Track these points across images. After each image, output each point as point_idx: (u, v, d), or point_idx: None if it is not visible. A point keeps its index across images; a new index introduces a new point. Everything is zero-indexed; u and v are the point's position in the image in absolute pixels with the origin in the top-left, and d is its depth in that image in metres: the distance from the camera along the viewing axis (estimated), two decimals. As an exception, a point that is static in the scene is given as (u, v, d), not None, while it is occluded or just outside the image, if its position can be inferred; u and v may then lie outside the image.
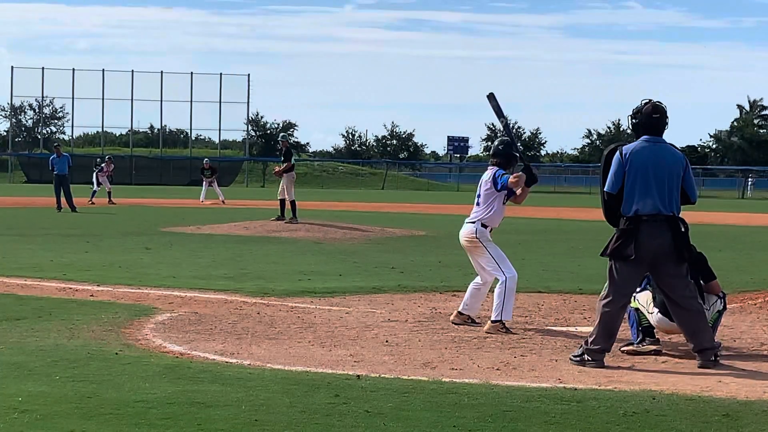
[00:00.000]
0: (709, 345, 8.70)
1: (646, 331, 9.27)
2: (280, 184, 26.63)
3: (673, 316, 8.88)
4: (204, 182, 46.97)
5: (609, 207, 8.83)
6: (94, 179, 43.19)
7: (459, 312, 10.81)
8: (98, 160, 53.93)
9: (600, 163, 9.03)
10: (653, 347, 9.18)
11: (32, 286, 13.06)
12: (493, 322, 10.35)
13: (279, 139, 27.84)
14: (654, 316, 9.22)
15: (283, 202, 26.40)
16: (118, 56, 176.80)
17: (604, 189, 8.81)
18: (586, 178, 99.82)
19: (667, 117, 8.81)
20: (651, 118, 8.75)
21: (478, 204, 10.73)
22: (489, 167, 10.78)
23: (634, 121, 8.83)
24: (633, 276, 8.79)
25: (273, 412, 6.52)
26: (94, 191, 41.77)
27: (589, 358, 8.63)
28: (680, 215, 8.86)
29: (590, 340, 8.71)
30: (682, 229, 8.70)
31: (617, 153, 8.75)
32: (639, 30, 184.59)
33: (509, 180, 10.48)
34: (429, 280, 14.68)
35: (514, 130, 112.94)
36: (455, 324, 10.68)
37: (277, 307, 11.73)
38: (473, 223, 10.68)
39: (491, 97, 10.89)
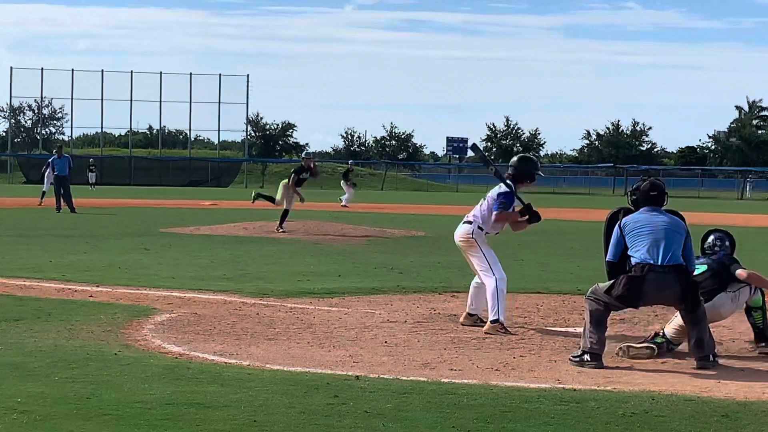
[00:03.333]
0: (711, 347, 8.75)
1: None
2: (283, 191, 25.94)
3: (680, 316, 8.92)
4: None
5: (611, 277, 8.93)
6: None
7: (468, 314, 10.80)
8: (91, 160, 54.00)
9: (604, 226, 9.25)
10: (644, 346, 9.19)
11: (31, 287, 13.05)
12: (492, 322, 10.35)
13: (303, 156, 27.42)
14: None
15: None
16: (117, 57, 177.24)
17: (606, 259, 9.01)
18: (585, 179, 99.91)
19: (665, 193, 9.08)
20: (648, 195, 9.02)
21: (481, 208, 10.73)
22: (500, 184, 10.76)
23: (633, 197, 9.11)
24: (628, 307, 9.08)
25: (272, 413, 6.53)
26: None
27: (589, 359, 8.65)
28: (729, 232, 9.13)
29: (585, 340, 8.74)
30: (692, 280, 8.78)
31: (617, 226, 8.94)
32: (638, 30, 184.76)
33: (500, 212, 10.48)
34: (428, 280, 14.68)
35: (508, 135, 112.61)
36: (464, 325, 10.67)
37: (276, 307, 11.73)
38: (470, 223, 10.69)
39: (475, 148, 10.96)
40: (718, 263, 9.47)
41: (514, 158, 11.16)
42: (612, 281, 8.79)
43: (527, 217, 10.66)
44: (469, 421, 6.46)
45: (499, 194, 10.59)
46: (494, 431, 6.27)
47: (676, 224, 8.88)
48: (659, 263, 8.62)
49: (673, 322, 9.27)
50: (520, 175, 10.78)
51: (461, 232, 10.74)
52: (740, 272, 9.39)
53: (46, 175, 38.32)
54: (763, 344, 9.50)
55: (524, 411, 6.75)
